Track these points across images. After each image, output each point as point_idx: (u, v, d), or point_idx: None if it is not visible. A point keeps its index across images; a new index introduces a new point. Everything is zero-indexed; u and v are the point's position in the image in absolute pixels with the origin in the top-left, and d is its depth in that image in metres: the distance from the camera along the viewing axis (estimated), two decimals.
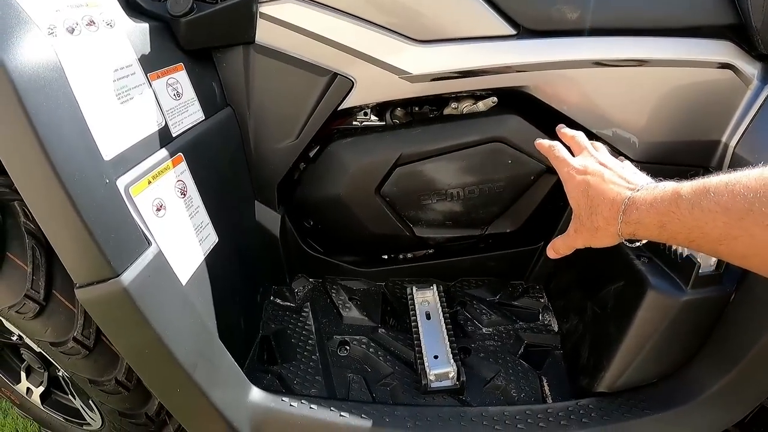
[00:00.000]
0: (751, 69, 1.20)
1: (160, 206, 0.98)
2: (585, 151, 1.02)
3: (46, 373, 1.45)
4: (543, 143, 1.07)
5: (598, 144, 1.05)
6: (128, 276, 0.83)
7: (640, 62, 1.21)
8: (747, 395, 1.15)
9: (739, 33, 1.19)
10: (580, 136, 1.06)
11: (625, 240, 0.89)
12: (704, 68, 1.20)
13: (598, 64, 1.22)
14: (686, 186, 0.77)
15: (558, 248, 1.04)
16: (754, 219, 0.66)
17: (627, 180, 0.91)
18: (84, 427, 1.52)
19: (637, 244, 0.92)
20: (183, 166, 1.08)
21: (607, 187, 0.91)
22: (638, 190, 0.87)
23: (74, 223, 0.76)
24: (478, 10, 1.20)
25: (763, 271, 0.69)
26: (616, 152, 1.29)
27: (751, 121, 1.19)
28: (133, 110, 0.96)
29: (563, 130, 1.10)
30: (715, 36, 1.20)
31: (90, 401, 1.38)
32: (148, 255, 0.88)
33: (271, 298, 1.60)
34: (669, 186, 0.81)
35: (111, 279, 0.82)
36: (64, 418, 1.53)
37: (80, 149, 0.78)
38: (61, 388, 1.50)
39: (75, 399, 1.46)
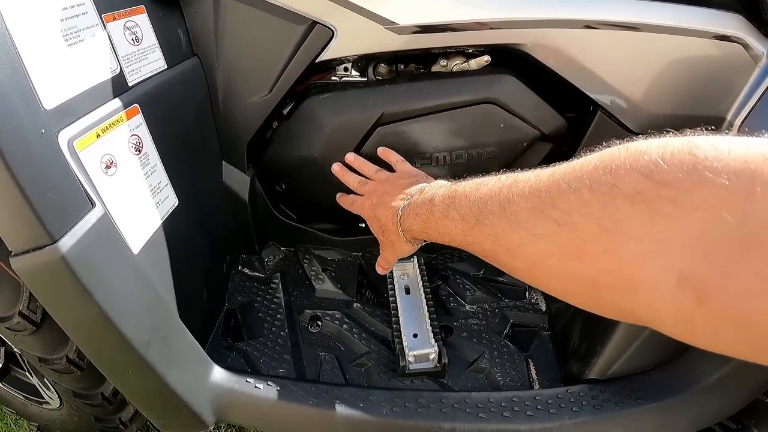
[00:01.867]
0: (761, 46, 1.14)
1: (110, 163, 0.89)
2: (363, 188, 1.23)
3: (2, 348, 1.39)
4: (342, 199, 1.30)
5: (394, 158, 1.28)
6: (67, 242, 0.74)
7: (645, 27, 1.14)
8: (746, 386, 1.12)
9: (750, 8, 1.13)
10: (353, 178, 1.27)
11: (416, 244, 1.08)
12: (712, 40, 1.15)
13: (600, 25, 1.15)
14: (440, 193, 0.89)
15: (381, 266, 1.24)
16: (480, 229, 0.74)
17: (403, 193, 1.07)
18: (43, 406, 1.47)
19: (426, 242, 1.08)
20: (139, 119, 0.98)
21: (386, 206, 1.09)
22: (409, 198, 1.02)
23: (3, 180, 0.67)
24: None
25: (504, 269, 0.74)
26: (615, 123, 1.28)
27: (759, 100, 1.14)
28: (82, 54, 0.86)
29: (346, 179, 1.29)
30: (725, 8, 1.14)
31: (45, 380, 1.32)
32: (91, 218, 0.79)
33: (239, 267, 1.53)
34: (429, 192, 0.94)
35: (47, 246, 0.73)
36: (23, 396, 1.47)
37: (13, 95, 0.69)
38: (18, 364, 1.44)
39: (32, 376, 1.40)
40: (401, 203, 1.04)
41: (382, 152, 1.29)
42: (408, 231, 1.01)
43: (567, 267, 0.60)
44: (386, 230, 1.09)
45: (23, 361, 1.39)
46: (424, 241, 1.06)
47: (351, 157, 1.30)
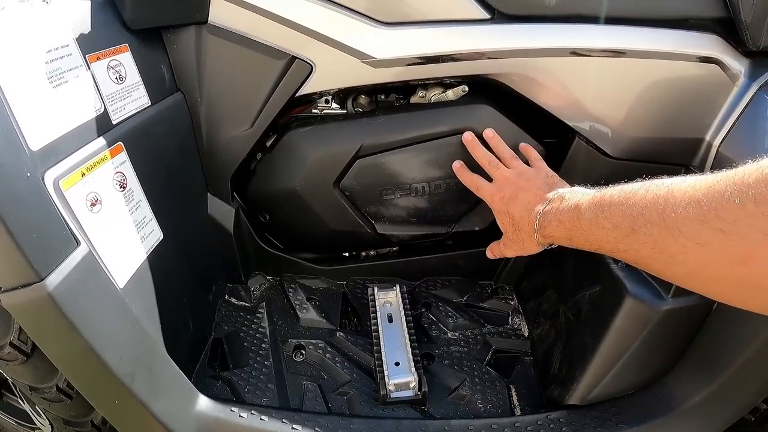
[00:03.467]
0: (738, 65, 1.17)
1: (95, 201, 0.92)
2: (498, 172, 1.22)
3: None
4: (463, 173, 1.30)
5: (509, 154, 1.26)
6: (53, 280, 0.78)
7: (621, 53, 1.18)
8: (728, 408, 1.14)
9: (726, 27, 1.16)
10: (486, 157, 1.26)
11: (546, 247, 1.10)
12: (689, 62, 1.18)
13: (576, 53, 1.19)
14: (586, 200, 0.91)
15: (494, 252, 1.29)
16: (636, 238, 0.77)
17: (539, 195, 1.09)
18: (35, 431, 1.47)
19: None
20: (123, 156, 1.02)
21: (522, 207, 1.11)
22: (550, 202, 1.03)
23: None
24: None
25: (656, 275, 0.79)
26: (593, 148, 1.29)
27: (737, 119, 1.16)
28: (66, 95, 0.90)
29: (473, 148, 1.29)
30: (701, 29, 1.17)
31: (37, 407, 1.34)
32: (76, 256, 0.83)
33: (226, 297, 1.55)
34: (572, 200, 0.96)
35: (34, 283, 0.76)
36: (15, 422, 1.48)
37: None
38: (11, 390, 1.45)
39: (24, 403, 1.41)
40: (540, 207, 1.05)
41: (524, 148, 1.30)
42: (548, 237, 1.03)
43: (732, 273, 0.64)
44: (520, 229, 1.11)
45: (15, 388, 1.41)
46: (553, 245, 1.08)
47: (489, 133, 1.29)
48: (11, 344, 1.07)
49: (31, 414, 1.42)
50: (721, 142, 1.18)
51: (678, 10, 1.16)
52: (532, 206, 1.07)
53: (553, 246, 1.09)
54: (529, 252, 1.14)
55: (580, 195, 0.95)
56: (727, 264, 0.64)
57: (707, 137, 1.21)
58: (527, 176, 1.17)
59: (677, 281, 0.76)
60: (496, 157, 1.25)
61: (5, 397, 1.48)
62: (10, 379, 1.34)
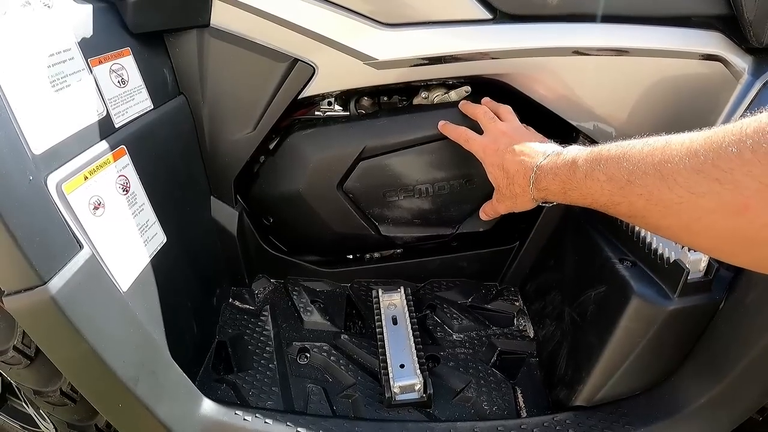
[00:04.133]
0: (741, 62, 1.18)
1: (98, 204, 0.93)
2: (492, 125, 1.20)
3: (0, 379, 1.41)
4: (448, 127, 1.28)
5: (504, 109, 1.25)
6: (56, 283, 0.78)
7: (624, 51, 1.18)
8: (735, 408, 1.12)
9: (729, 24, 1.16)
10: (482, 111, 1.24)
11: (540, 203, 1.11)
12: (692, 60, 1.18)
13: (579, 52, 1.19)
14: (583, 156, 0.91)
15: (487, 212, 1.30)
16: (630, 189, 0.78)
17: (535, 149, 1.08)
18: None
19: (549, 205, 1.19)
20: (126, 159, 1.02)
21: (518, 159, 1.09)
22: (547, 157, 1.03)
23: None
24: None
25: (645, 228, 0.88)
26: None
27: (741, 116, 1.15)
28: (69, 99, 0.90)
29: (465, 106, 1.29)
30: (704, 27, 1.18)
31: (41, 410, 1.35)
32: (79, 260, 0.83)
33: (230, 300, 1.56)
34: (569, 155, 0.96)
35: (37, 287, 0.77)
36: (20, 426, 1.48)
37: (1, 143, 0.73)
38: (16, 394, 1.45)
39: (28, 406, 1.42)
40: (537, 160, 1.05)
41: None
42: (543, 190, 1.03)
43: (728, 223, 0.65)
44: (513, 183, 1.10)
45: (20, 392, 1.42)
46: (547, 202, 1.09)
47: (487, 99, 1.29)
48: (15, 348, 1.07)
49: (35, 418, 1.42)
50: None
51: (680, 7, 1.16)
52: (529, 159, 1.07)
53: (546, 203, 1.12)
54: (521, 207, 1.15)
55: (577, 150, 0.96)
56: (723, 214, 0.65)
57: None
58: (522, 132, 1.18)
59: (672, 235, 0.78)
60: None
61: (10, 401, 1.48)
62: (14, 383, 1.35)
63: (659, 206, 0.74)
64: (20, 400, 1.45)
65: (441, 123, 1.29)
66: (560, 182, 0.96)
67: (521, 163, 1.08)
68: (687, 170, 0.68)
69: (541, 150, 1.07)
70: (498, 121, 1.21)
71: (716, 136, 0.66)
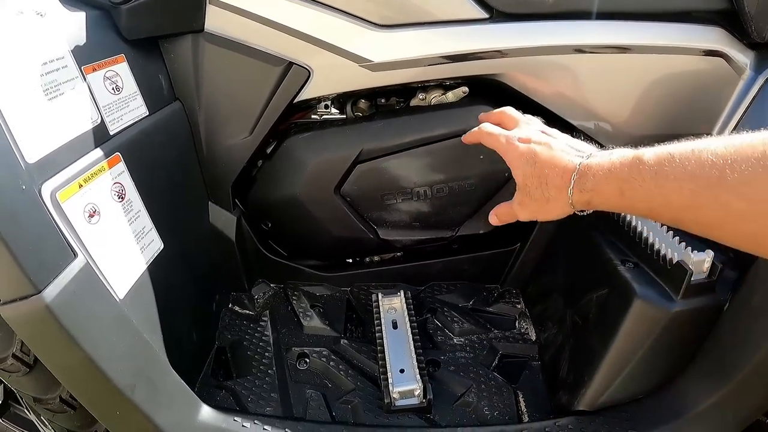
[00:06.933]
0: (743, 58, 1.18)
1: (93, 212, 0.94)
2: (521, 123, 1.04)
3: (1, 386, 1.43)
4: (469, 135, 1.09)
5: (532, 117, 1.08)
6: (51, 292, 0.79)
7: (624, 49, 1.19)
8: (740, 412, 1.12)
9: (730, 19, 1.17)
10: (509, 110, 1.08)
11: (577, 210, 0.91)
12: (693, 56, 1.19)
13: (578, 50, 1.20)
14: (648, 152, 0.77)
15: (502, 216, 1.07)
16: (725, 187, 0.66)
17: (576, 148, 0.92)
18: None
19: (586, 212, 0.92)
20: (121, 167, 1.04)
21: (556, 155, 0.91)
22: (591, 156, 0.87)
23: None
24: None
25: (726, 241, 0.70)
26: (597, 146, 1.27)
27: (744, 112, 1.18)
28: (63, 107, 0.92)
29: (486, 115, 1.11)
30: (705, 22, 1.18)
31: (41, 417, 1.36)
32: (74, 268, 0.84)
33: (229, 305, 1.57)
34: (628, 152, 0.81)
35: (32, 296, 0.78)
36: None
37: None
38: (17, 401, 1.47)
39: (29, 413, 1.43)
40: (578, 159, 0.89)
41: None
42: (588, 192, 0.86)
43: None
44: (549, 184, 0.92)
45: (21, 399, 1.43)
46: (584, 211, 0.92)
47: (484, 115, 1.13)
48: (14, 356, 1.08)
49: (37, 424, 1.44)
50: None
51: (681, 3, 1.17)
52: (569, 157, 0.90)
53: (583, 212, 0.93)
54: (549, 215, 0.97)
55: (636, 149, 0.81)
56: None
57: (715, 132, 1.22)
58: (554, 132, 1.01)
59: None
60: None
61: (12, 408, 1.49)
62: (15, 390, 1.37)
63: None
64: (22, 407, 1.46)
65: (464, 137, 1.12)
66: (617, 181, 0.81)
67: (560, 160, 0.91)
68: None
69: (584, 147, 0.93)
70: (526, 117, 1.07)
71: None
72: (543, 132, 0.99)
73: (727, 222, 0.69)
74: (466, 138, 1.10)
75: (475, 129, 1.07)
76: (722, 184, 0.66)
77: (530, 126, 1.03)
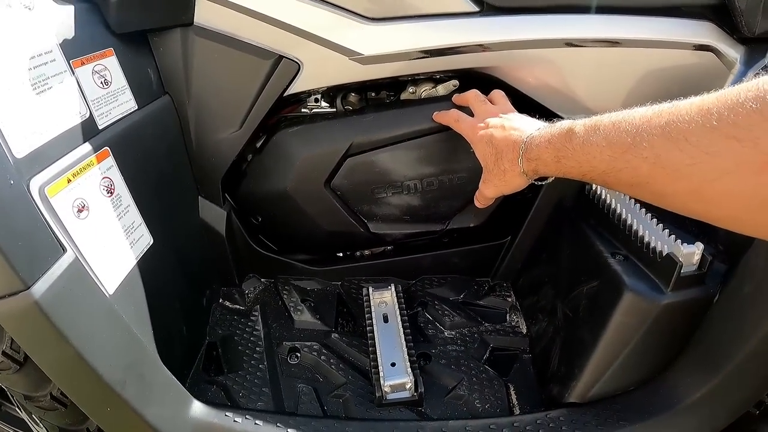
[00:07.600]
0: (733, 52, 1.19)
1: (82, 207, 0.94)
2: (483, 107, 1.21)
3: None
4: (439, 116, 1.30)
5: (497, 93, 1.26)
6: (40, 288, 0.79)
7: (615, 43, 1.19)
8: (731, 402, 1.13)
9: (720, 14, 1.17)
10: (473, 94, 1.26)
11: (533, 180, 1.07)
12: (683, 50, 1.19)
13: (569, 44, 1.20)
14: (579, 124, 0.89)
15: (478, 198, 1.25)
16: (634, 152, 0.76)
17: (525, 123, 1.08)
18: None
19: (545, 182, 1.12)
20: (110, 161, 1.03)
21: (508, 133, 1.08)
22: (538, 129, 1.03)
23: None
24: None
25: (647, 199, 0.80)
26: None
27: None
28: (51, 101, 0.91)
29: (457, 97, 1.30)
30: (695, 16, 1.19)
31: (33, 415, 1.36)
32: (63, 263, 0.83)
33: (220, 300, 1.57)
34: (565, 124, 0.94)
35: (21, 292, 0.77)
36: (13, 430, 1.50)
37: None
38: (8, 399, 1.46)
39: (21, 411, 1.43)
40: (528, 132, 1.04)
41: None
42: (533, 160, 1.00)
43: (747, 184, 0.63)
44: (502, 157, 1.08)
45: (12, 397, 1.42)
46: (537, 180, 1.07)
47: (475, 91, 1.28)
48: (4, 353, 1.07)
49: (28, 422, 1.43)
50: None
51: None
52: (518, 133, 1.06)
53: (538, 182, 1.10)
54: (510, 186, 1.12)
55: (572, 122, 0.93)
56: (741, 174, 0.63)
57: None
58: (513, 114, 1.16)
59: (679, 202, 0.74)
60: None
61: (3, 406, 1.49)
62: (6, 388, 1.36)
63: (667, 169, 0.71)
64: (13, 405, 1.46)
65: (434, 114, 1.30)
66: (554, 150, 0.94)
67: (510, 137, 1.07)
68: (700, 129, 0.66)
69: (532, 124, 1.08)
70: (488, 104, 1.22)
71: (730, 94, 0.64)
72: (499, 115, 1.15)
73: (639, 184, 0.78)
74: (437, 116, 1.31)
75: (445, 112, 1.28)
76: (632, 149, 0.76)
77: (489, 111, 1.19)
